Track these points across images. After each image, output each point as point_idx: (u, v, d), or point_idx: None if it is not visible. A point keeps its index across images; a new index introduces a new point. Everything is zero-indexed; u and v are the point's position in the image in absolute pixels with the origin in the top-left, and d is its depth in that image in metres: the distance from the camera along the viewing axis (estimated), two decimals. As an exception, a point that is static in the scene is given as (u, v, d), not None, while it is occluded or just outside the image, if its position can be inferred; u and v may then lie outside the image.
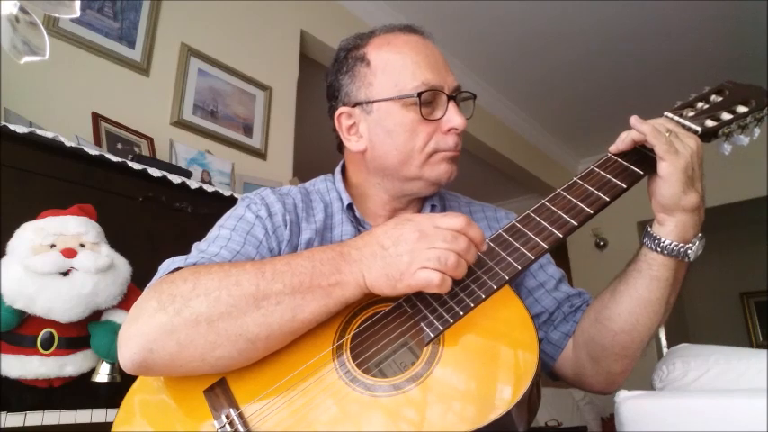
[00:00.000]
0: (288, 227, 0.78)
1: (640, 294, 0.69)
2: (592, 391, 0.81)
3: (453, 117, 0.77)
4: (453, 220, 0.59)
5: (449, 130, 0.78)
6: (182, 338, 0.59)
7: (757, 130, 0.72)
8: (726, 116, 0.70)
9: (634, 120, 0.67)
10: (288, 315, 0.59)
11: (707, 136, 0.69)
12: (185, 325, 0.59)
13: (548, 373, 0.84)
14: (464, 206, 0.94)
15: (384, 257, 0.59)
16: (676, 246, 0.65)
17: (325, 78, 0.86)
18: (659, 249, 0.66)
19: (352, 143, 0.82)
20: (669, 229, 0.65)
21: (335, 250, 0.62)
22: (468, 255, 0.58)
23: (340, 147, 0.88)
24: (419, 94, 0.75)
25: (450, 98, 0.78)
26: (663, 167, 0.63)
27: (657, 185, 0.64)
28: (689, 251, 0.65)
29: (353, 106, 0.81)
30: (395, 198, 0.84)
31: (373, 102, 0.78)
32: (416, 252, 0.57)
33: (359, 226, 0.83)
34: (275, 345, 0.61)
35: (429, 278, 0.56)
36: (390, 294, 0.60)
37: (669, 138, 0.63)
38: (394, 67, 0.78)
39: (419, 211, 0.87)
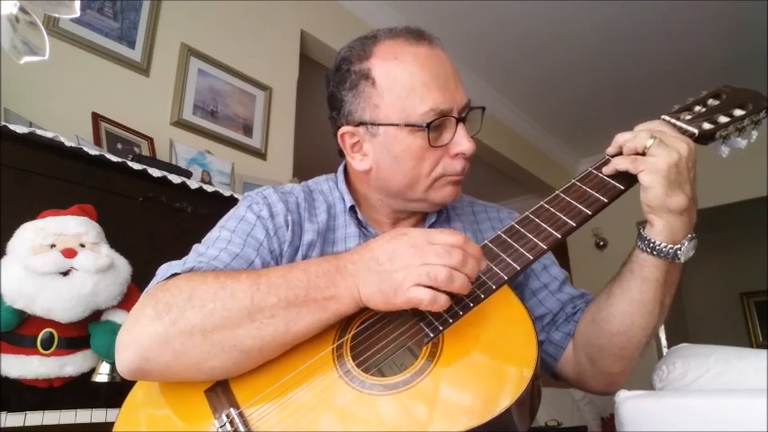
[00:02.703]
0: (290, 228, 0.78)
1: (633, 295, 0.69)
2: (593, 391, 0.81)
3: (461, 141, 0.75)
4: (449, 237, 0.58)
5: (456, 155, 0.76)
6: (177, 348, 0.59)
7: (755, 133, 0.73)
8: (723, 119, 0.71)
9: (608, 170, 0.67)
10: (282, 328, 0.60)
11: (704, 138, 0.70)
12: (180, 335, 0.59)
13: (550, 374, 0.84)
14: (467, 206, 0.93)
15: (379, 273, 0.58)
16: (666, 246, 0.65)
17: (326, 84, 0.83)
18: (649, 250, 0.66)
19: (356, 162, 0.80)
20: (658, 230, 0.66)
21: (331, 263, 0.62)
22: (466, 267, 0.57)
23: (341, 152, 0.85)
24: (428, 124, 0.72)
25: (459, 120, 0.75)
26: (642, 177, 0.63)
27: (641, 191, 0.65)
28: (678, 252, 0.65)
29: (357, 125, 0.77)
30: (398, 211, 0.84)
31: (379, 125, 0.75)
32: (410, 269, 0.56)
33: (363, 228, 0.83)
34: (269, 355, 0.62)
35: (419, 296, 0.55)
36: (385, 309, 0.60)
37: (632, 156, 0.64)
38: (401, 89, 0.73)
39: (424, 217, 0.86)
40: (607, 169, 0.67)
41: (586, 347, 0.76)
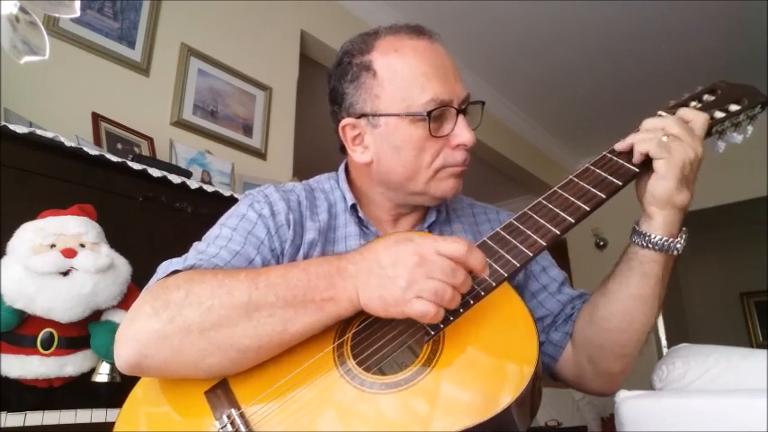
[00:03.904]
0: (291, 227, 0.78)
1: (632, 292, 0.69)
2: (592, 393, 0.81)
3: (462, 133, 0.75)
4: (455, 247, 0.56)
5: (457, 146, 0.76)
6: (174, 345, 0.59)
7: (750, 128, 0.73)
8: (719, 114, 0.71)
9: (627, 144, 0.68)
10: (279, 328, 0.59)
11: None
12: (177, 333, 0.59)
13: (549, 375, 0.84)
14: (467, 208, 0.93)
15: (380, 277, 0.57)
16: (666, 240, 0.66)
17: (327, 81, 0.84)
18: (649, 245, 0.67)
19: (357, 154, 0.80)
20: (658, 224, 0.66)
21: (332, 264, 0.61)
22: (464, 287, 0.56)
23: (342, 148, 0.85)
24: (428, 113, 0.72)
25: (459, 111, 0.75)
26: (659, 165, 0.64)
27: (652, 180, 0.65)
28: (677, 245, 0.67)
29: (358, 117, 0.77)
30: (399, 206, 0.84)
31: (380, 115, 0.75)
32: (414, 279, 0.55)
33: (363, 227, 0.83)
34: (267, 355, 0.62)
35: (425, 310, 0.54)
36: (382, 316, 0.58)
37: (665, 140, 0.64)
38: (402, 80, 0.74)
39: (424, 215, 0.86)
40: (622, 146, 0.68)
41: (586, 348, 0.76)
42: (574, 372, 0.80)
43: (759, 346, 4.37)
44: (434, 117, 0.73)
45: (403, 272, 0.56)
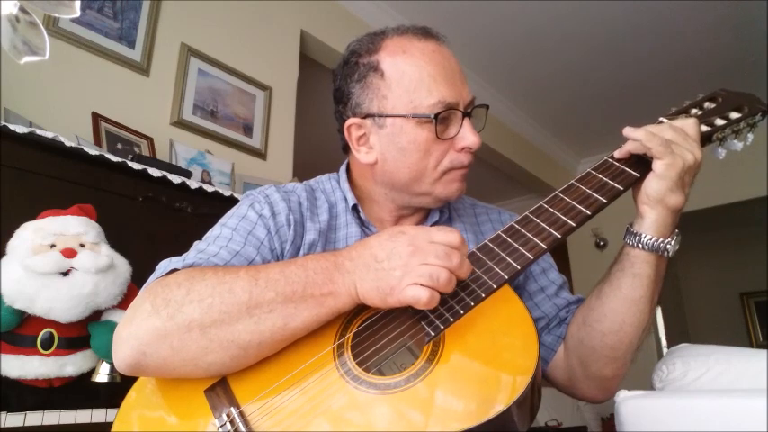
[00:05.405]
0: (292, 227, 0.78)
1: (625, 294, 0.69)
2: (584, 398, 0.81)
3: (468, 136, 0.75)
4: (448, 236, 0.58)
5: (462, 149, 0.76)
6: (174, 343, 0.59)
7: (750, 136, 0.74)
8: (719, 122, 0.72)
9: (628, 131, 0.68)
10: (279, 323, 0.60)
11: (701, 140, 0.70)
12: (178, 330, 0.59)
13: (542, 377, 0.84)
14: (468, 208, 0.93)
15: (377, 270, 0.58)
16: (656, 240, 0.67)
17: (333, 80, 0.84)
18: (640, 245, 0.67)
19: (362, 155, 0.80)
20: (649, 223, 0.67)
21: (329, 260, 0.62)
22: (461, 270, 0.58)
23: (345, 148, 0.85)
24: (435, 116, 0.73)
25: (465, 114, 0.76)
26: (658, 165, 0.64)
27: (648, 178, 0.66)
28: (668, 246, 0.67)
29: (364, 117, 0.78)
30: (401, 207, 0.84)
31: (386, 116, 0.76)
32: (409, 267, 0.56)
33: (364, 228, 0.83)
34: (267, 351, 0.62)
35: (417, 295, 0.55)
36: (381, 307, 0.60)
37: (665, 140, 0.65)
38: (410, 81, 0.74)
39: (426, 216, 0.86)
40: (620, 153, 0.69)
41: (578, 350, 0.76)
42: (565, 375, 0.80)
43: (759, 346, 4.37)
44: (441, 119, 0.74)
45: (398, 263, 0.57)
